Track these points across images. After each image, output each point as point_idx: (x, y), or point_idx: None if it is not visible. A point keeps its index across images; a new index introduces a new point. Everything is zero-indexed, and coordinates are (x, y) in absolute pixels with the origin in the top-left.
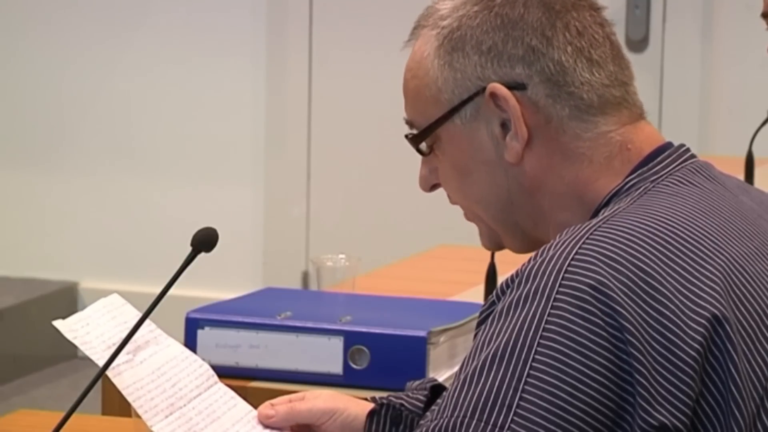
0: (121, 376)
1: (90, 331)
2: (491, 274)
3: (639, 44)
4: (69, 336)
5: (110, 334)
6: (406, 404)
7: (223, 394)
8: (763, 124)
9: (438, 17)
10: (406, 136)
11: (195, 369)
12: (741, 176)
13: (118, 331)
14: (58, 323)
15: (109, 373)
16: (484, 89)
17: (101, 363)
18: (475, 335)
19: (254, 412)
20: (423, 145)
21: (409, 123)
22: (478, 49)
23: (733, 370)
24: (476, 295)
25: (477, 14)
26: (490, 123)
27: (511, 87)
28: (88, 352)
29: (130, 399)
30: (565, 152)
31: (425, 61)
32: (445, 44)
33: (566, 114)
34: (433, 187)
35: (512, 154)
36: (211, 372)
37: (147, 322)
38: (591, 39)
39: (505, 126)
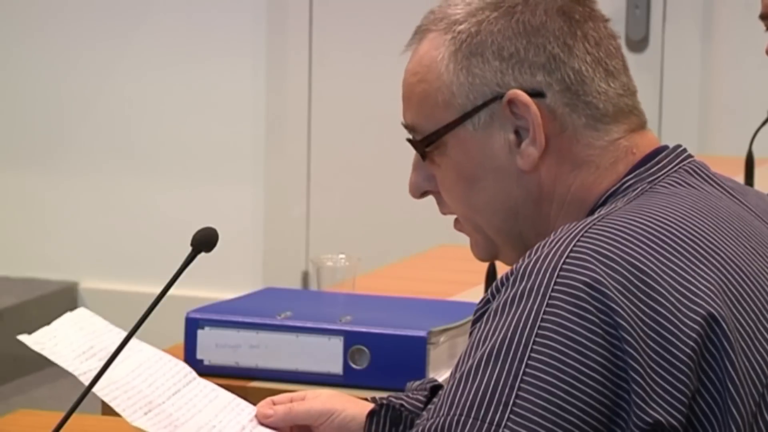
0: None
1: (57, 342)
2: (491, 274)
3: (639, 44)
4: (36, 348)
5: (79, 343)
6: (405, 405)
7: (203, 387)
8: (763, 124)
9: (452, 22)
10: (409, 140)
11: (171, 368)
12: (741, 176)
13: (87, 340)
14: (23, 337)
15: (81, 377)
16: (501, 95)
17: (72, 370)
18: (471, 333)
19: (237, 400)
20: (423, 151)
21: (410, 127)
22: (498, 54)
23: (730, 369)
24: (476, 295)
25: (497, 20)
26: (505, 130)
27: (530, 94)
28: (57, 362)
29: (106, 399)
30: (575, 161)
31: (437, 65)
32: (463, 48)
33: (582, 123)
34: (424, 194)
35: (528, 162)
36: (188, 369)
37: (117, 330)
38: (607, 50)
39: (518, 133)
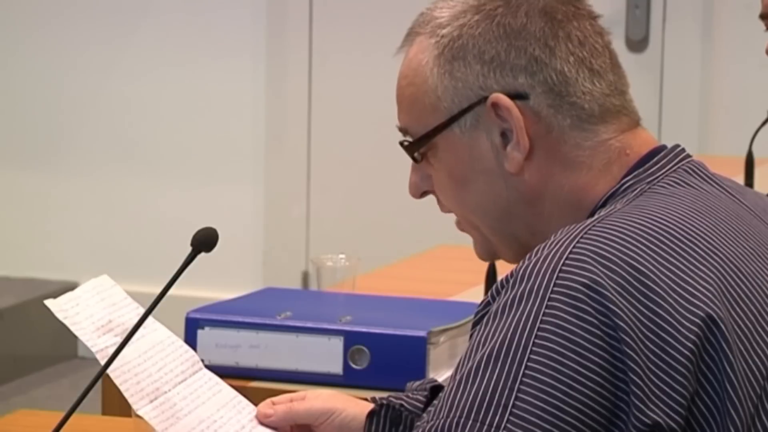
0: (108, 357)
1: (80, 311)
2: (491, 274)
3: (639, 44)
4: (59, 316)
5: (99, 315)
6: (405, 405)
7: (208, 379)
8: (763, 124)
9: (436, 25)
10: (401, 143)
11: (181, 354)
12: (741, 176)
13: (106, 313)
14: (49, 302)
15: (98, 354)
16: (485, 99)
17: (90, 344)
18: (471, 336)
19: (239, 398)
20: (417, 153)
21: (403, 130)
22: (480, 58)
23: (729, 370)
24: (476, 295)
25: (479, 23)
26: (491, 133)
27: (513, 97)
28: (77, 333)
29: (117, 382)
30: (565, 161)
31: (423, 68)
32: (445, 53)
33: (567, 124)
34: (424, 194)
35: (513, 164)
36: (197, 358)
37: (135, 305)
38: (592, 49)
39: (505, 136)
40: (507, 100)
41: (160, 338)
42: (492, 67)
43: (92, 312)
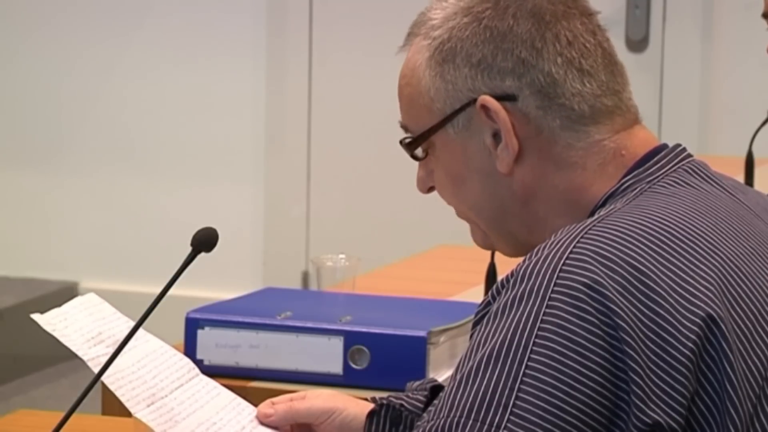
0: (101, 366)
1: (68, 325)
2: (491, 274)
3: (639, 44)
4: (47, 329)
5: (89, 329)
6: (405, 405)
7: (205, 384)
8: (763, 124)
9: (430, 27)
10: (401, 142)
11: (175, 362)
12: (741, 176)
13: (96, 326)
14: (36, 317)
15: (90, 362)
16: (475, 100)
17: (81, 355)
18: (471, 336)
19: (238, 400)
20: (418, 150)
21: (404, 127)
22: (468, 61)
23: (728, 370)
24: (476, 295)
25: (467, 26)
26: (482, 133)
27: (501, 99)
28: (67, 344)
29: (112, 387)
30: (558, 161)
31: (418, 70)
32: (435, 55)
33: (557, 125)
34: (431, 189)
35: (504, 165)
36: (192, 365)
37: (125, 319)
38: (582, 48)
39: (496, 136)
40: (494, 103)
41: (153, 348)
42: (479, 69)
43: (81, 325)
